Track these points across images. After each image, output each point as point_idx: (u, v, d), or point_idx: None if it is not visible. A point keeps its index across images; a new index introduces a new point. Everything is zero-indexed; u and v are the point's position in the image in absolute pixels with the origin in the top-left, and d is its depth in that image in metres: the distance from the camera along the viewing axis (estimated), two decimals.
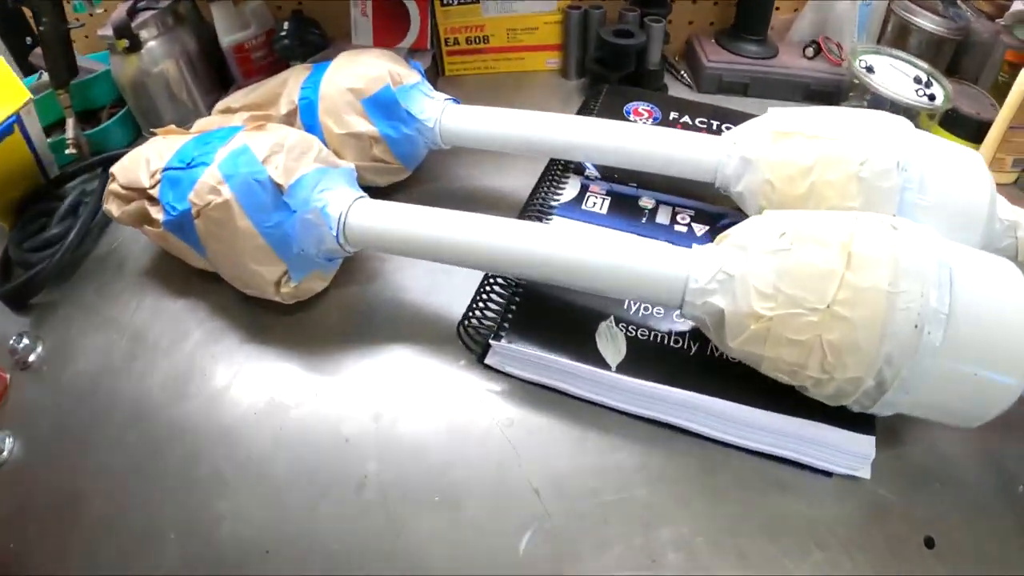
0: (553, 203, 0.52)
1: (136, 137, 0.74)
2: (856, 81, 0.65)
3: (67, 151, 0.65)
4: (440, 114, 0.53)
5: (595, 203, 0.52)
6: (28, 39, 0.76)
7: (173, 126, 0.55)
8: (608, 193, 0.53)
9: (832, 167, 0.43)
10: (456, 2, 0.71)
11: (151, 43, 0.67)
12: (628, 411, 0.42)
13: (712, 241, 0.48)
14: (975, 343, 0.34)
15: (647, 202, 0.53)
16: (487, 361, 0.45)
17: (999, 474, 0.40)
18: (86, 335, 0.52)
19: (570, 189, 0.53)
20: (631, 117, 0.61)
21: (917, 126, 0.63)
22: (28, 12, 0.72)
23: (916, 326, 0.34)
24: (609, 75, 0.67)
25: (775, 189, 0.44)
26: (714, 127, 0.60)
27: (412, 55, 0.71)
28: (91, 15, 0.74)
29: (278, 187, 0.44)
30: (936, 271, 0.34)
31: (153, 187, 0.49)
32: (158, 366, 0.49)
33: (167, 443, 0.44)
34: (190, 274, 0.54)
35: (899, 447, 0.41)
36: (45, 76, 0.68)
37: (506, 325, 0.44)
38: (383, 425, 0.43)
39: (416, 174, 0.60)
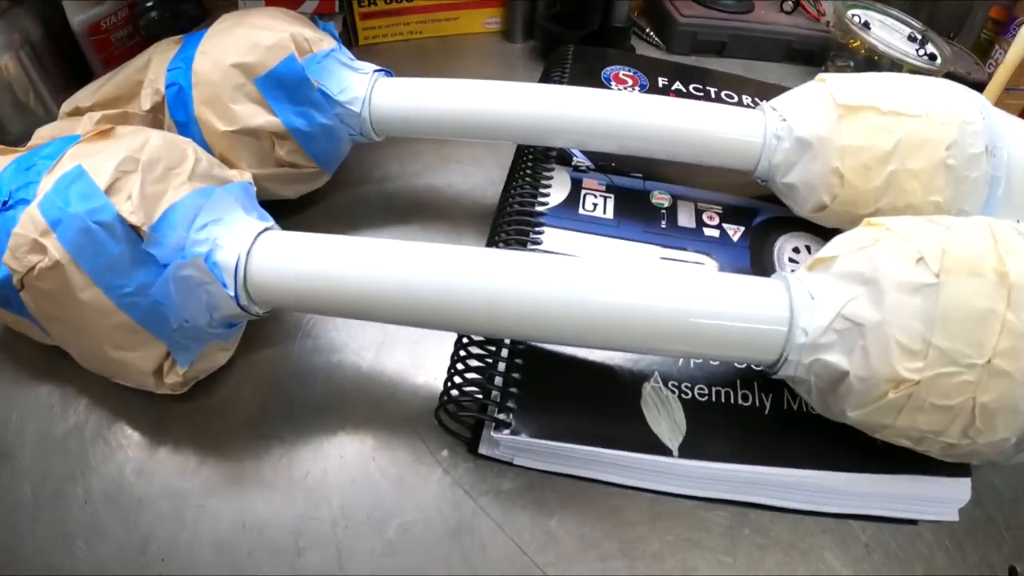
0: (539, 208, 0.38)
1: None
2: (845, 39, 0.56)
3: None
4: (369, 92, 0.38)
5: (595, 204, 0.39)
6: None
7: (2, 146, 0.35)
8: (609, 189, 0.40)
9: (916, 153, 0.32)
10: None
11: None
12: (692, 495, 0.31)
13: (755, 248, 0.38)
14: None
15: (661, 198, 0.40)
16: (483, 450, 0.31)
17: None
18: None
19: (558, 186, 0.39)
20: (613, 85, 0.47)
21: None
22: None
23: None
24: (568, 35, 0.53)
25: (845, 181, 0.33)
26: (712, 94, 0.48)
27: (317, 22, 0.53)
28: None
29: (135, 231, 0.28)
30: None
31: None
32: (24, 494, 0.31)
33: None
34: (47, 351, 0.35)
35: (977, 471, 0.33)
36: None
37: (510, 405, 0.30)
38: (348, 561, 0.29)
39: (335, 176, 0.44)
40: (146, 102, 0.38)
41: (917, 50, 0.55)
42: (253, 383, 0.35)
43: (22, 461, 0.32)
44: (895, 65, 0.54)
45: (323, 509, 0.30)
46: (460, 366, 0.31)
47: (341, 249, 0.29)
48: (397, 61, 0.58)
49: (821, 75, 0.36)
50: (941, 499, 0.31)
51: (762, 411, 0.31)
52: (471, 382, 0.31)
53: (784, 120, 0.35)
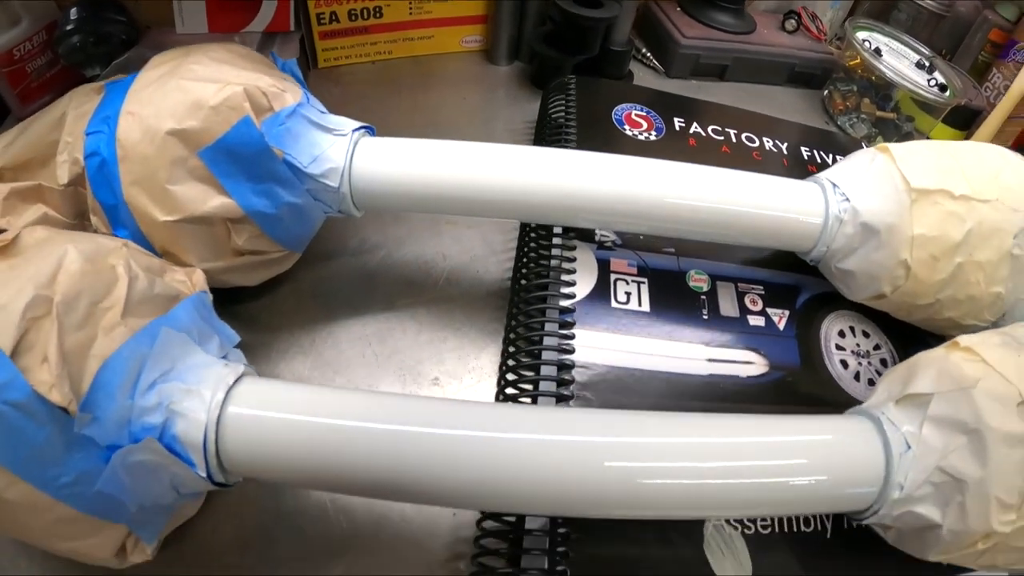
0: (564, 302, 0.32)
1: None
2: (850, 63, 0.52)
3: None
4: (348, 160, 0.30)
5: (628, 293, 0.33)
6: None
7: None
8: (641, 272, 0.34)
9: (984, 243, 0.29)
10: None
11: None
12: None
13: (801, 332, 0.33)
14: None
15: (699, 280, 0.34)
16: None
17: None
18: None
19: (584, 272, 0.33)
20: (626, 129, 0.41)
21: (900, 116, 0.54)
22: None
23: None
24: (563, 61, 0.47)
25: (910, 274, 0.29)
26: (731, 138, 0.43)
27: (268, 41, 0.44)
28: None
29: (59, 411, 0.20)
30: None
31: None
32: None
33: None
34: None
35: None
36: None
37: (559, 569, 0.25)
38: None
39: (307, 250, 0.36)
40: (63, 173, 0.29)
41: (928, 80, 0.51)
42: (234, 523, 0.28)
43: None
44: (887, 97, 0.51)
45: None
46: (485, 541, 0.25)
47: (336, 409, 0.22)
48: (362, 87, 0.50)
49: (884, 144, 0.31)
50: None
51: (824, 534, 0.27)
52: (507, 539, 0.25)
53: (847, 200, 0.30)
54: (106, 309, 0.22)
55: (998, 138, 0.53)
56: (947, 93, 0.51)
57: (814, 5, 0.58)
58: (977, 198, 0.29)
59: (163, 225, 0.27)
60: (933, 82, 0.51)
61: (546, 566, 0.24)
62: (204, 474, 0.21)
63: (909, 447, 0.23)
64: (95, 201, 0.28)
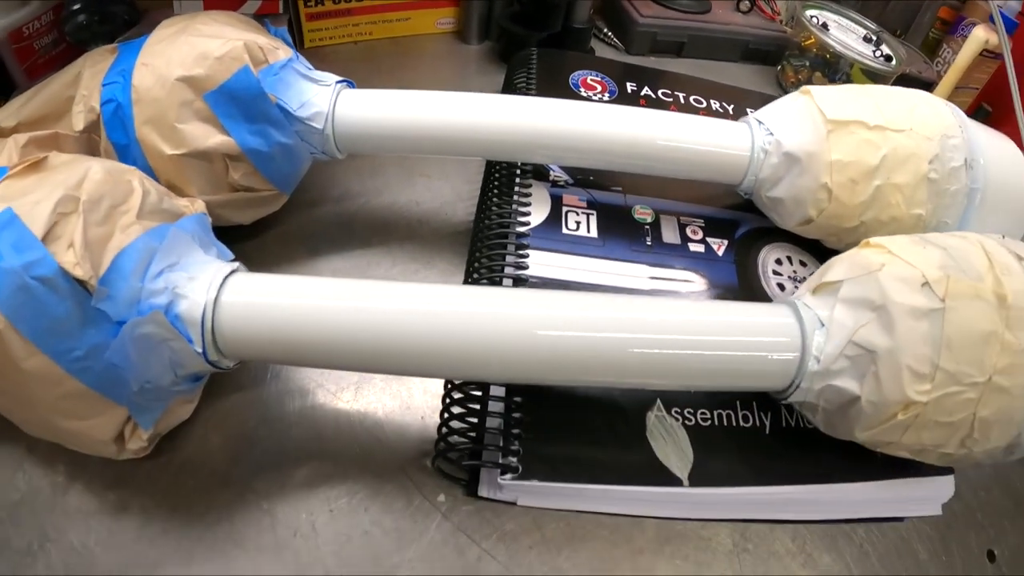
0: (521, 229, 0.37)
1: None
2: (801, 39, 0.58)
3: None
4: (332, 106, 0.35)
5: (578, 222, 0.38)
6: None
7: None
8: (591, 205, 0.39)
9: (900, 168, 0.33)
10: None
11: None
12: (700, 518, 0.30)
13: (739, 260, 0.38)
14: None
15: (644, 213, 0.39)
16: (483, 492, 0.30)
17: None
18: None
19: (538, 205, 0.38)
20: (581, 91, 0.46)
21: None
22: None
23: None
24: (529, 37, 0.52)
25: (832, 197, 0.33)
26: (682, 100, 0.48)
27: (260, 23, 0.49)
28: None
29: (81, 285, 0.24)
30: None
31: None
32: None
33: None
34: None
35: None
36: None
37: (514, 447, 0.29)
38: None
39: (291, 196, 0.40)
40: (79, 121, 0.33)
41: (873, 51, 0.56)
42: (221, 434, 0.32)
43: None
44: (838, 70, 0.55)
45: (317, 568, 0.28)
46: (455, 409, 0.30)
47: (317, 293, 0.27)
48: (345, 64, 0.55)
49: (806, 87, 0.36)
50: (927, 497, 0.33)
51: (763, 431, 0.31)
52: (468, 426, 0.30)
53: (771, 134, 0.35)
54: (123, 212, 0.26)
55: None
56: (892, 63, 0.56)
57: None
58: (891, 128, 0.34)
59: (170, 159, 0.32)
60: (879, 53, 0.56)
61: (502, 428, 0.29)
62: (200, 350, 0.26)
63: (823, 325, 0.27)
64: (108, 143, 0.33)
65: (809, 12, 0.57)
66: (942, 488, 0.33)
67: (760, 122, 0.36)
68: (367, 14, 0.55)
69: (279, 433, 0.32)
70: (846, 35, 0.57)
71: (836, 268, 0.28)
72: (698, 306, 0.28)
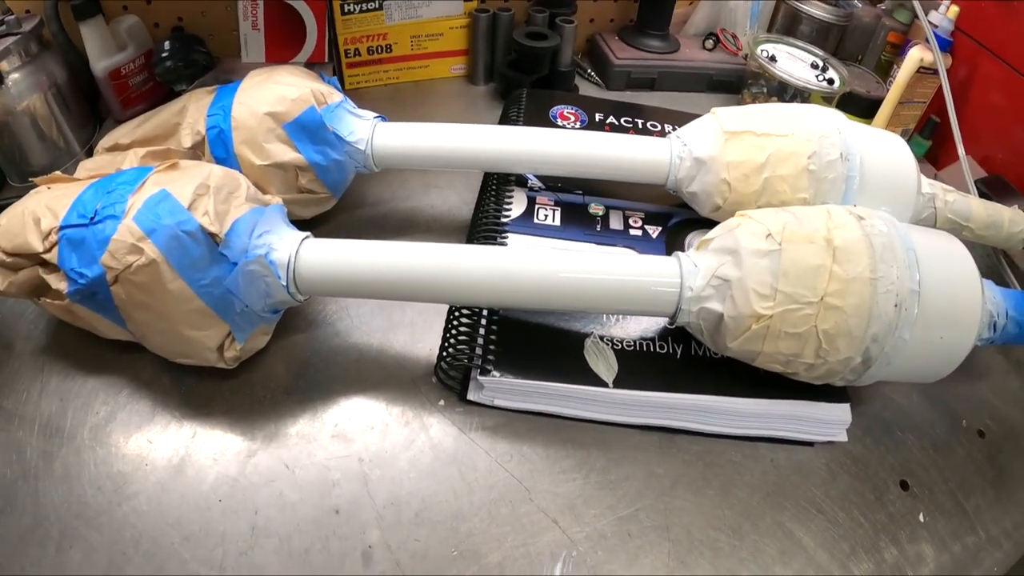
0: (504, 220, 0.52)
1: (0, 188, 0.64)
2: (757, 70, 0.72)
3: None
4: (371, 134, 0.51)
5: (547, 215, 0.53)
6: None
7: (59, 173, 0.48)
8: (557, 204, 0.54)
9: (784, 163, 0.47)
10: (358, 10, 0.68)
11: (14, 75, 0.57)
12: (627, 423, 0.44)
13: (670, 242, 0.52)
14: (941, 312, 0.40)
15: (597, 208, 0.55)
16: (470, 397, 0.44)
17: (945, 413, 0.50)
18: None
19: (518, 203, 0.54)
20: (558, 121, 0.62)
21: None
22: None
23: (896, 305, 0.38)
24: (523, 79, 0.69)
25: (731, 187, 0.48)
26: (639, 125, 0.63)
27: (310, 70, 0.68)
28: None
29: (212, 237, 0.40)
30: (904, 253, 0.39)
31: (49, 251, 0.42)
32: (85, 463, 0.42)
33: (122, 557, 0.38)
34: (101, 347, 0.47)
35: (862, 406, 0.48)
36: None
37: (490, 357, 0.44)
38: (374, 487, 0.41)
39: (339, 201, 0.57)
40: (186, 140, 0.51)
41: (818, 76, 0.70)
42: (285, 362, 0.48)
43: (84, 440, 0.44)
44: (797, 91, 0.70)
45: (351, 448, 0.43)
46: (452, 331, 0.45)
47: (362, 248, 0.43)
48: (377, 102, 0.73)
49: (714, 109, 0.51)
50: (827, 421, 0.45)
51: (675, 356, 0.45)
52: (461, 343, 0.45)
53: (685, 145, 0.50)
54: (236, 196, 0.43)
55: (894, 121, 0.71)
56: (835, 85, 0.70)
57: (735, 27, 0.80)
58: (775, 134, 0.48)
59: (258, 168, 0.49)
60: (822, 78, 0.70)
61: (480, 339, 0.44)
62: (285, 284, 0.41)
63: (696, 267, 0.41)
64: (210, 156, 0.50)
65: (761, 46, 0.72)
66: (840, 413, 0.44)
67: (678, 136, 0.51)
68: (394, 63, 0.74)
69: (326, 361, 0.48)
70: (794, 64, 0.72)
71: (713, 231, 0.43)
72: (614, 256, 0.43)
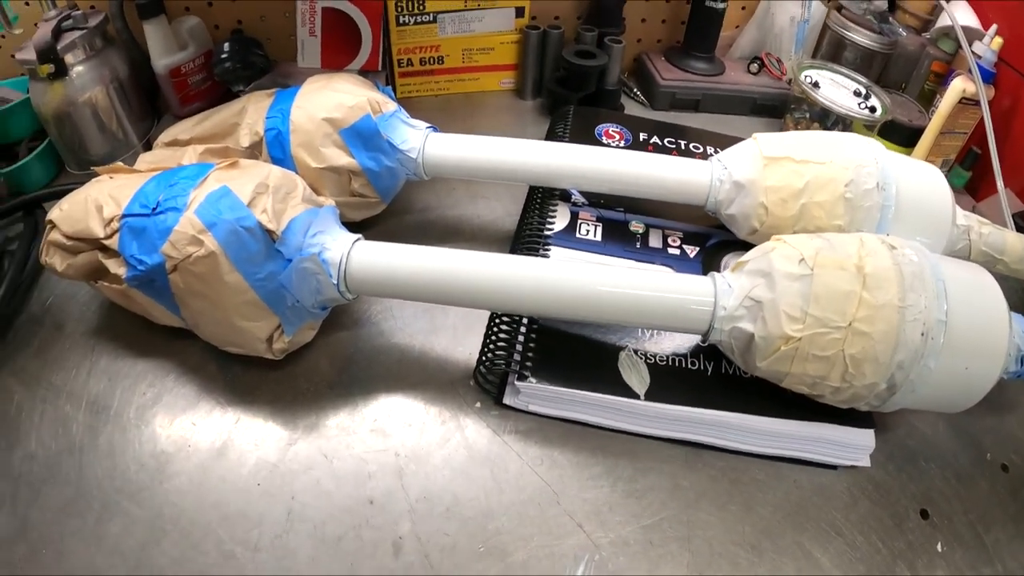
0: (547, 232, 0.55)
1: (58, 174, 0.69)
2: (800, 96, 0.74)
3: None
4: (423, 144, 0.55)
5: (588, 230, 0.56)
6: None
7: (120, 163, 0.52)
8: (599, 219, 0.57)
9: (821, 190, 0.49)
10: (412, 22, 0.72)
11: (78, 68, 0.63)
12: (656, 435, 0.46)
13: (707, 262, 0.54)
14: (967, 342, 0.41)
15: (637, 226, 0.57)
16: (506, 401, 0.47)
17: (971, 445, 0.50)
18: (32, 410, 0.48)
19: (561, 217, 0.57)
20: (603, 139, 0.65)
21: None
22: None
23: (923, 334, 0.40)
24: (570, 96, 0.72)
25: (768, 212, 0.50)
26: (683, 146, 0.66)
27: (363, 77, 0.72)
28: (3, 36, 0.69)
29: (269, 234, 0.44)
30: (934, 283, 0.41)
31: (110, 237, 0.46)
32: (129, 441, 0.46)
33: (160, 533, 0.42)
34: (151, 331, 0.51)
35: (887, 432, 0.49)
36: None
37: (528, 364, 0.46)
38: (408, 481, 0.44)
39: (388, 206, 0.61)
40: (244, 140, 0.55)
41: (860, 104, 0.72)
42: (329, 357, 0.51)
43: (130, 419, 0.47)
44: (840, 118, 0.71)
45: (388, 443, 0.46)
46: (493, 337, 0.48)
47: (411, 253, 0.46)
48: (427, 112, 0.77)
49: (755, 134, 0.53)
50: (851, 445, 0.46)
51: (706, 373, 0.48)
52: (500, 349, 0.47)
53: (725, 168, 0.52)
54: (292, 196, 0.46)
55: (935, 151, 0.72)
56: (876, 113, 0.71)
57: (780, 51, 0.82)
58: (814, 161, 0.50)
59: (314, 170, 0.52)
60: (863, 106, 0.71)
61: (519, 346, 0.47)
62: (335, 282, 0.45)
63: (730, 287, 0.44)
64: (267, 156, 0.54)
65: (805, 72, 0.74)
66: (864, 438, 0.46)
67: (719, 160, 0.53)
68: (446, 74, 0.77)
69: (369, 359, 0.51)
70: (837, 90, 0.73)
71: (748, 253, 0.45)
72: (651, 273, 0.46)
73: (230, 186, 0.45)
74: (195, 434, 0.46)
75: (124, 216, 0.46)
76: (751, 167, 0.51)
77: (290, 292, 0.45)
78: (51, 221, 0.49)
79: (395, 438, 0.46)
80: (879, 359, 0.41)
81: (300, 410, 0.48)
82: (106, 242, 0.46)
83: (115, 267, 0.47)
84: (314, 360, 0.51)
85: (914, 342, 0.40)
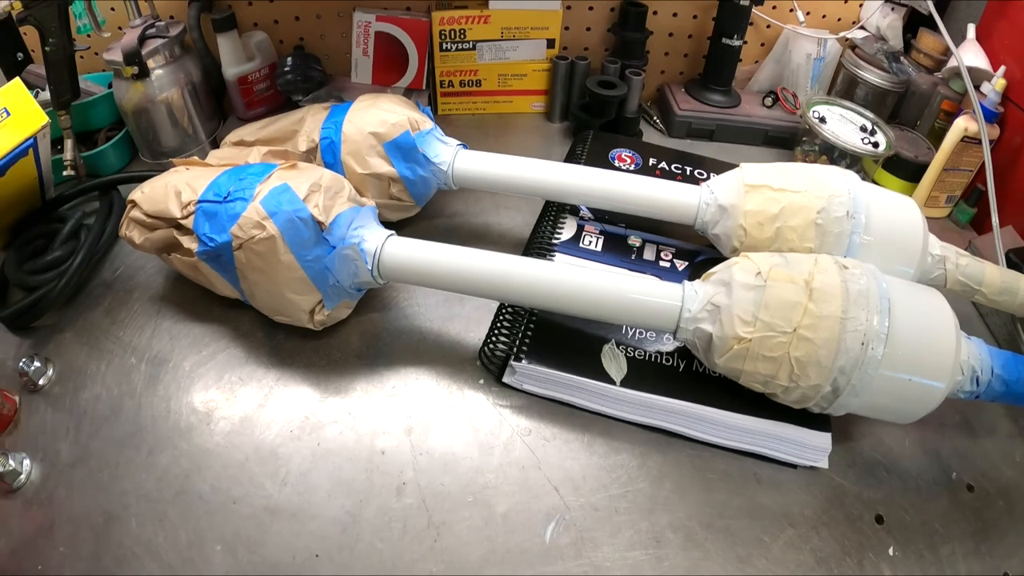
0: (555, 241, 0.64)
1: (130, 160, 0.81)
2: (809, 128, 0.82)
3: (64, 172, 0.72)
4: (453, 158, 0.65)
5: (591, 241, 0.65)
6: (19, 55, 0.81)
7: (196, 158, 0.64)
8: (601, 233, 0.66)
9: (794, 216, 0.57)
10: (454, 48, 0.83)
11: (158, 71, 0.75)
12: (629, 419, 0.54)
13: (693, 275, 0.62)
14: (909, 356, 0.47)
15: (635, 241, 0.66)
16: (505, 380, 0.56)
17: (936, 463, 0.55)
18: (100, 359, 0.59)
19: (568, 229, 0.66)
20: (616, 163, 0.74)
21: (862, 169, 0.81)
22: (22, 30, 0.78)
23: (863, 344, 0.47)
24: (592, 121, 0.81)
25: (747, 233, 0.58)
26: (687, 172, 0.74)
27: (408, 94, 0.83)
28: (89, 36, 0.80)
29: (319, 224, 0.54)
30: (878, 300, 0.48)
31: (186, 218, 0.57)
32: (183, 390, 0.57)
33: (203, 465, 0.52)
34: (210, 301, 0.63)
35: (851, 442, 0.55)
36: (42, 94, 0.74)
37: (524, 348, 0.55)
38: (415, 438, 0.53)
39: (422, 210, 0.71)
40: (302, 145, 0.66)
41: (864, 139, 0.78)
42: (360, 333, 0.61)
43: (186, 372, 0.58)
44: (843, 152, 0.78)
45: (401, 407, 0.56)
46: (499, 324, 0.57)
47: (436, 249, 0.56)
48: (464, 128, 0.88)
49: (742, 164, 0.61)
50: (808, 446, 0.53)
51: (678, 369, 0.56)
52: (504, 334, 0.57)
53: (712, 193, 0.60)
54: (340, 196, 0.57)
55: (939, 186, 0.77)
56: (879, 148, 0.77)
57: (796, 86, 0.89)
58: (790, 189, 0.58)
59: (359, 175, 0.63)
60: (867, 141, 0.78)
61: (519, 334, 0.56)
62: (370, 268, 0.55)
63: (696, 293, 0.52)
64: (320, 161, 0.65)
65: (814, 108, 0.81)
66: (821, 440, 0.53)
67: (708, 185, 0.61)
68: (482, 95, 0.88)
69: (394, 337, 0.61)
70: (844, 125, 0.80)
71: (716, 267, 0.53)
72: (634, 278, 0.54)
73: (290, 183, 0.55)
74: (241, 388, 0.57)
75: (200, 201, 0.57)
76: (734, 193, 0.59)
77: (332, 273, 0.55)
78: (133, 201, 0.61)
79: (408, 403, 0.56)
80: (822, 363, 0.48)
81: (331, 374, 0.58)
82: (182, 221, 0.58)
83: (188, 243, 0.58)
84: (346, 334, 0.61)
85: (854, 351, 0.47)
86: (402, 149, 0.64)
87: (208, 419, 0.55)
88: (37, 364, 0.58)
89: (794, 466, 0.53)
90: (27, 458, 0.52)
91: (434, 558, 0.47)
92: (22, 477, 0.51)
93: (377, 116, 0.64)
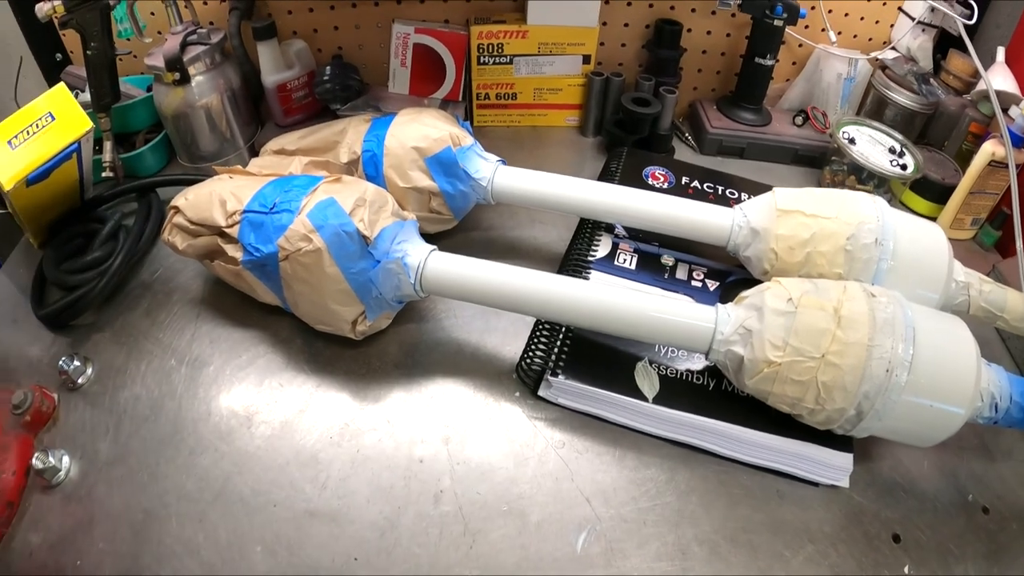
0: (590, 258, 0.67)
1: (167, 163, 0.85)
2: (839, 148, 0.84)
3: (103, 174, 0.76)
4: (493, 174, 0.68)
5: (625, 259, 0.68)
6: (58, 55, 0.85)
7: (239, 167, 0.67)
8: (636, 251, 0.69)
9: (824, 242, 0.60)
10: (491, 62, 0.87)
11: (199, 77, 0.78)
12: (659, 435, 0.57)
13: (724, 296, 0.66)
14: (931, 383, 0.50)
15: (668, 260, 0.69)
16: (540, 393, 0.59)
17: (953, 485, 0.57)
18: (140, 359, 0.63)
19: (603, 246, 0.69)
20: (649, 180, 0.77)
21: (889, 190, 0.83)
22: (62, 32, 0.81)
23: (887, 370, 0.50)
24: (626, 137, 0.84)
25: (778, 257, 0.61)
26: (719, 192, 0.77)
27: (444, 105, 0.86)
28: (129, 40, 0.83)
29: (364, 238, 0.57)
30: (903, 329, 0.51)
31: (231, 227, 0.60)
32: (223, 393, 0.60)
33: (244, 467, 0.55)
34: (249, 306, 0.66)
35: (871, 463, 0.58)
36: (82, 96, 0.78)
37: (560, 364, 0.58)
38: (453, 448, 0.57)
39: (460, 223, 0.75)
40: (343, 156, 0.69)
41: (892, 161, 0.81)
42: (399, 343, 0.65)
43: (226, 376, 0.61)
44: (872, 173, 0.80)
45: (439, 416, 0.59)
46: (535, 340, 0.61)
47: (477, 265, 0.59)
48: (500, 141, 0.91)
49: (775, 188, 0.64)
50: (830, 465, 0.56)
51: (708, 388, 0.59)
52: (540, 349, 0.60)
53: (745, 216, 0.63)
54: (384, 210, 0.60)
55: (965, 209, 0.80)
56: (907, 170, 0.80)
57: (826, 105, 0.92)
58: (821, 215, 0.60)
59: (400, 188, 0.67)
60: (895, 163, 0.80)
61: (556, 349, 0.59)
62: (412, 282, 0.58)
63: (729, 316, 0.55)
64: (363, 173, 0.68)
65: (844, 128, 0.84)
66: (843, 460, 0.55)
67: (741, 208, 0.64)
68: (518, 108, 0.91)
69: (431, 348, 0.64)
70: (873, 147, 0.82)
71: (748, 292, 0.56)
72: (670, 299, 0.57)
73: (336, 198, 0.59)
74: (281, 393, 0.60)
75: (245, 211, 0.60)
76: (767, 216, 0.62)
77: (375, 286, 0.58)
78: (176, 207, 0.64)
79: (445, 413, 0.59)
80: (847, 388, 0.51)
81: (371, 383, 0.61)
82: (227, 230, 0.61)
83: (232, 251, 0.61)
84: (386, 344, 0.65)
85: (879, 376, 0.50)
86: (443, 164, 0.67)
87: (249, 423, 0.58)
88: (76, 363, 0.61)
89: (816, 484, 0.56)
90: (66, 455, 0.55)
91: (469, 564, 0.50)
92: (61, 474, 0.54)
93: (419, 131, 0.67)
